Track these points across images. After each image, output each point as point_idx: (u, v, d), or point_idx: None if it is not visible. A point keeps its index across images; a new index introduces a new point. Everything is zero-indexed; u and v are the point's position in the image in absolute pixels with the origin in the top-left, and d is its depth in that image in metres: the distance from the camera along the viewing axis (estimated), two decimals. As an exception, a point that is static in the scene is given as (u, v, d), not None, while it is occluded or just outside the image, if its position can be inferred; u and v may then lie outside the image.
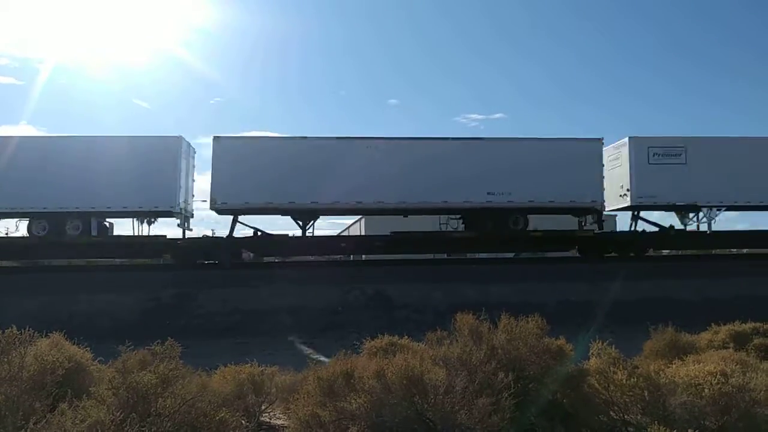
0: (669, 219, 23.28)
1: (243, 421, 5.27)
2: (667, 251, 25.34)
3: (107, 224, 21.81)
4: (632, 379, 5.04)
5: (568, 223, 22.24)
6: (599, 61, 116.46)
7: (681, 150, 21.81)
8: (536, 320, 5.91)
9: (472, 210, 21.12)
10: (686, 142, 22.04)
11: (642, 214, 22.48)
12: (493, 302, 12.42)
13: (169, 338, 6.13)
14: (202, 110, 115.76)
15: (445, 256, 24.61)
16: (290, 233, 21.53)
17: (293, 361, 7.77)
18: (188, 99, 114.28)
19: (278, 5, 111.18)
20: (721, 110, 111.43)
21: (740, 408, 4.81)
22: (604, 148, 21.99)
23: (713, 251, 24.90)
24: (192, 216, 22.32)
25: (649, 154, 21.71)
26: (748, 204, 22.20)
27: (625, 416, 4.99)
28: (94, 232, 20.34)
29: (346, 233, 38.29)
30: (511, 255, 24.41)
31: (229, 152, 20.53)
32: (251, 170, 20.35)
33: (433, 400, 4.63)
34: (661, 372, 5.41)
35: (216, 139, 20.71)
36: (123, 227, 22.48)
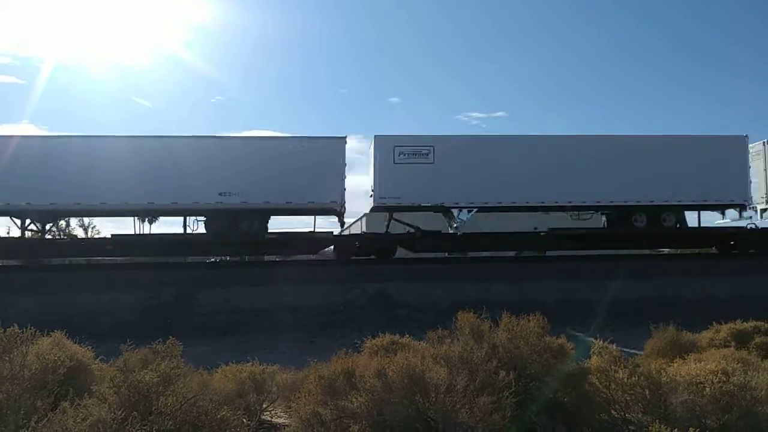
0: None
1: (244, 420, 5.26)
2: (667, 251, 25.35)
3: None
4: (633, 378, 5.04)
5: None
6: (601, 60, 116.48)
7: (429, 149, 21.05)
8: (537, 319, 5.92)
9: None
10: (435, 141, 21.32)
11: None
12: (493, 301, 12.46)
13: (170, 337, 6.15)
14: (203, 109, 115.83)
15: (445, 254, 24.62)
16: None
17: (294, 359, 7.77)
18: (189, 98, 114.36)
19: (279, 4, 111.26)
20: (722, 109, 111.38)
21: (741, 407, 4.81)
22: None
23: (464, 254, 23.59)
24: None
25: (395, 154, 20.93)
26: (500, 205, 21.47)
27: (626, 415, 4.98)
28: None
29: (347, 232, 38.19)
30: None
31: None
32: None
33: (434, 399, 4.64)
34: (662, 371, 5.41)
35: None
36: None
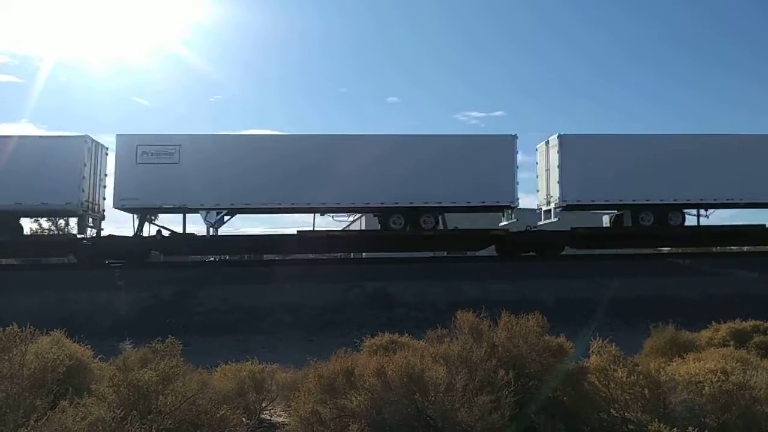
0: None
1: (243, 419, 5.27)
2: (668, 249, 25.35)
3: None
4: (632, 377, 5.04)
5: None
6: (600, 59, 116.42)
7: (175, 149, 20.35)
8: (536, 318, 5.91)
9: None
10: (182, 140, 20.66)
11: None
12: (493, 299, 12.47)
13: (169, 336, 6.15)
14: (202, 108, 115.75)
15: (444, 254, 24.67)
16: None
17: (293, 358, 7.77)
18: (188, 97, 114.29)
19: (278, 3, 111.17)
20: (723, 106, 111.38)
21: (740, 406, 4.82)
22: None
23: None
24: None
25: (138, 153, 20.19)
26: (249, 207, 21.14)
27: (626, 414, 4.99)
28: None
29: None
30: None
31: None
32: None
33: (433, 398, 4.64)
34: (661, 370, 5.41)
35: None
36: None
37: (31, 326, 5.01)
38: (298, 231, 21.44)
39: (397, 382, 4.76)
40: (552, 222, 22.20)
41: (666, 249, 25.82)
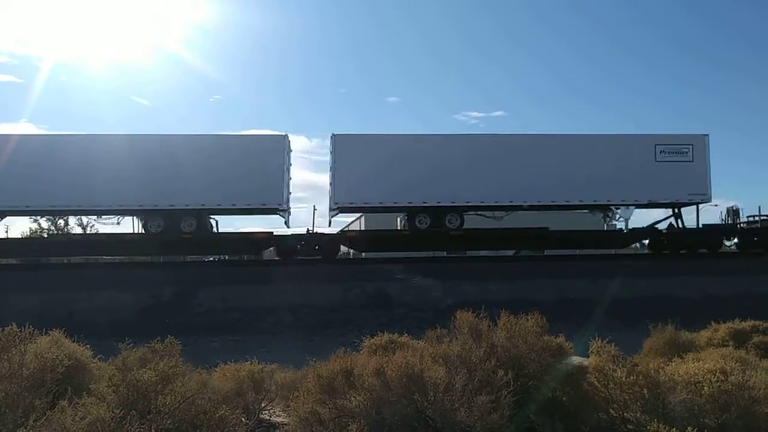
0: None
1: (243, 419, 5.27)
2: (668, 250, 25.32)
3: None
4: (631, 377, 5.04)
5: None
6: (600, 59, 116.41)
7: None
8: (536, 318, 5.92)
9: None
10: None
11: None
12: (492, 300, 12.46)
13: (168, 336, 6.15)
14: (202, 108, 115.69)
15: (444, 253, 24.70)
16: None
17: (293, 358, 7.77)
18: (188, 97, 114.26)
19: (278, 3, 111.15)
20: (724, 107, 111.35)
21: (740, 406, 4.81)
22: None
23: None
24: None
25: None
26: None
27: (625, 414, 4.99)
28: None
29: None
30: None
31: None
32: None
33: (432, 398, 4.64)
34: (660, 370, 5.41)
35: None
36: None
37: (30, 326, 5.01)
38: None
39: (397, 382, 4.76)
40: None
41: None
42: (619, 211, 22.17)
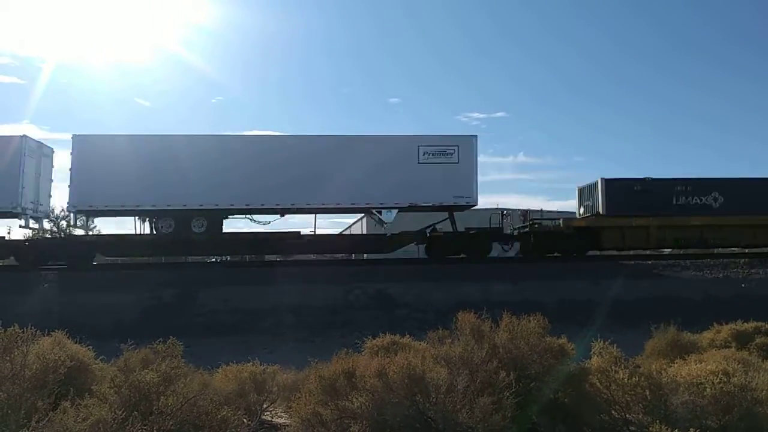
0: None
1: (245, 420, 5.28)
2: (669, 250, 25.28)
3: None
4: (634, 379, 5.04)
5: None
6: (602, 59, 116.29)
7: None
8: (537, 319, 5.91)
9: None
10: None
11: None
12: (494, 301, 12.45)
13: (170, 337, 6.16)
14: (204, 109, 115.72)
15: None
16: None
17: (295, 359, 7.77)
18: (189, 98, 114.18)
19: (280, 3, 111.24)
20: (725, 107, 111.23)
21: (742, 407, 4.81)
22: None
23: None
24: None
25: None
26: None
27: (627, 415, 4.99)
28: None
29: (347, 233, 38.38)
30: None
31: None
32: None
33: (434, 399, 4.64)
34: (662, 371, 5.41)
35: None
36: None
37: (33, 327, 5.02)
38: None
39: (399, 383, 4.76)
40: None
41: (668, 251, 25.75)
42: (380, 214, 21.47)
